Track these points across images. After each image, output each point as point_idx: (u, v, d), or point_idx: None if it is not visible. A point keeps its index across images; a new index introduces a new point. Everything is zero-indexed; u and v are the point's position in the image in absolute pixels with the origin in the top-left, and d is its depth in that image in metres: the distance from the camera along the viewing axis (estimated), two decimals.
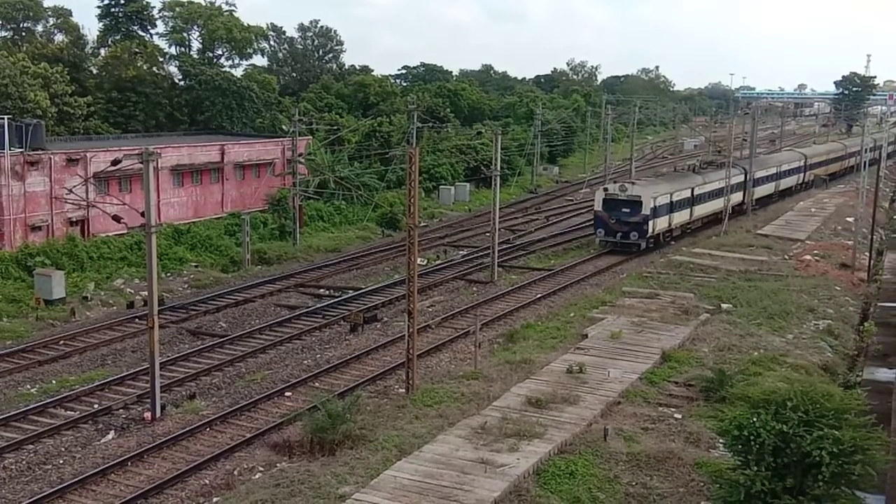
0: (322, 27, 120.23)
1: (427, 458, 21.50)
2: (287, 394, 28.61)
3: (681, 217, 55.47)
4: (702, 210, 58.49)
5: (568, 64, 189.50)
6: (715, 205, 60.08)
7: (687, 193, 55.65)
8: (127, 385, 29.19)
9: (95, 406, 27.31)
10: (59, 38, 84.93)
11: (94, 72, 77.75)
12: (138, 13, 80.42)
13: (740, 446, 18.05)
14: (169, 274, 44.65)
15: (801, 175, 79.47)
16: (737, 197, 63.22)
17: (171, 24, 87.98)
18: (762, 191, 69.26)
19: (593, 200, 54.44)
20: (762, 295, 39.06)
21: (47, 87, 62.39)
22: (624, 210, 51.18)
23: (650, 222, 50.91)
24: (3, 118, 44.26)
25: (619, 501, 20.14)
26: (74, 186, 43.38)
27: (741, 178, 63.50)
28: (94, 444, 24.81)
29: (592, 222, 54.23)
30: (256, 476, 22.45)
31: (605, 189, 53.21)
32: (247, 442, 24.65)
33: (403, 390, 27.70)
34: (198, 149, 57.04)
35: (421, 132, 70.98)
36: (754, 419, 17.79)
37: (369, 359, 32.34)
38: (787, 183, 75.41)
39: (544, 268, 48.39)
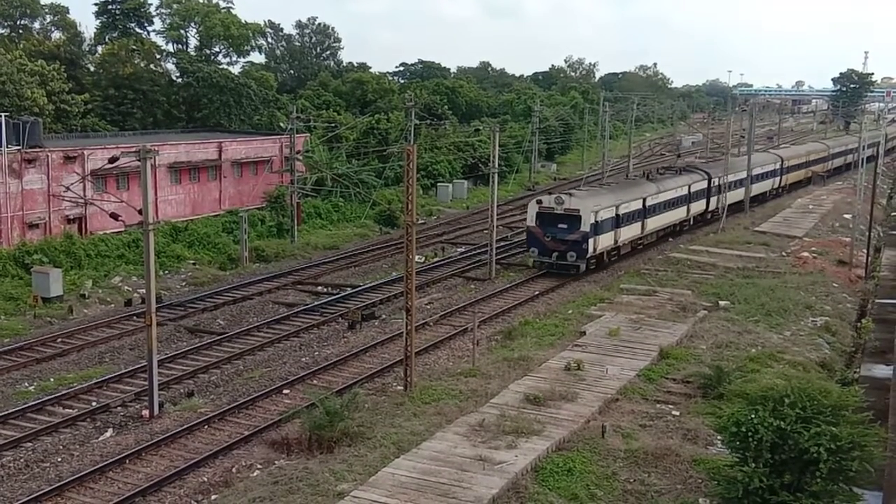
0: (320, 24, 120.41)
1: (425, 456, 21.51)
2: (285, 391, 28.62)
3: (630, 232, 48.56)
4: (656, 223, 51.66)
5: (566, 61, 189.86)
6: (673, 216, 54.03)
7: (637, 205, 48.84)
8: (125, 383, 29.18)
9: (93, 404, 27.28)
10: (56, 35, 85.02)
11: (92, 69, 77.72)
12: (135, 10, 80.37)
13: (738, 443, 18.10)
14: (167, 271, 44.64)
15: (777, 179, 73.35)
16: (699, 206, 57.69)
17: (168, 21, 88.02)
18: (729, 198, 61.33)
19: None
20: (760, 292, 39.10)
21: (44, 84, 62.28)
22: (560, 226, 44.05)
23: (590, 240, 43.98)
24: (1, 116, 44.20)
25: (617, 498, 20.16)
26: (72, 184, 43.40)
27: (704, 185, 57.62)
28: (93, 441, 24.80)
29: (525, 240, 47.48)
30: (255, 473, 22.46)
31: (539, 202, 45.47)
32: (245, 439, 24.65)
33: (401, 388, 27.70)
34: (195, 146, 57.00)
35: (419, 129, 70.99)
36: (752, 416, 17.84)
37: (367, 356, 32.35)
38: (759, 188, 68.32)
39: None
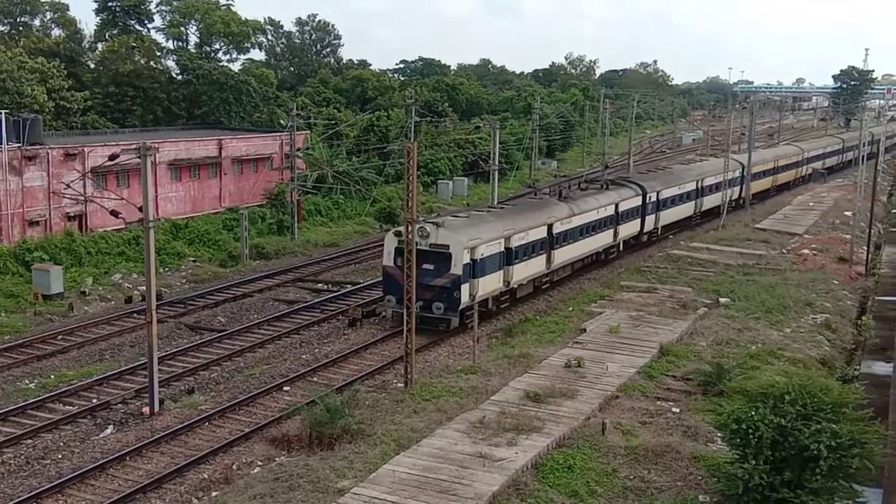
0: (320, 21, 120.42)
1: (425, 453, 21.53)
2: (285, 388, 28.64)
3: (529, 269, 37.98)
4: (569, 253, 41.34)
5: (566, 58, 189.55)
6: (593, 242, 43.99)
7: (540, 233, 38.41)
8: (125, 380, 29.20)
9: (94, 401, 27.29)
10: (56, 32, 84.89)
11: (92, 66, 77.61)
12: (135, 7, 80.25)
13: (738, 440, 18.13)
14: (167, 269, 44.63)
15: (737, 189, 63.38)
16: (631, 227, 48.18)
17: (168, 18, 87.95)
18: (671, 215, 53.40)
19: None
20: (760, 289, 39.12)
21: (44, 81, 62.25)
22: (425, 266, 32.60)
23: (464, 286, 33.38)
24: (1, 113, 44.18)
25: (617, 495, 20.18)
26: (72, 181, 43.32)
27: (637, 202, 48.24)
28: (93, 438, 24.82)
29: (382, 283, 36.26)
30: (255, 470, 22.48)
31: (398, 234, 33.39)
32: (245, 436, 24.68)
33: (402, 385, 27.73)
34: (195, 143, 56.96)
35: (419, 126, 70.91)
36: (752, 413, 17.86)
37: (368, 353, 32.37)
38: (712, 201, 58.52)
39: None
